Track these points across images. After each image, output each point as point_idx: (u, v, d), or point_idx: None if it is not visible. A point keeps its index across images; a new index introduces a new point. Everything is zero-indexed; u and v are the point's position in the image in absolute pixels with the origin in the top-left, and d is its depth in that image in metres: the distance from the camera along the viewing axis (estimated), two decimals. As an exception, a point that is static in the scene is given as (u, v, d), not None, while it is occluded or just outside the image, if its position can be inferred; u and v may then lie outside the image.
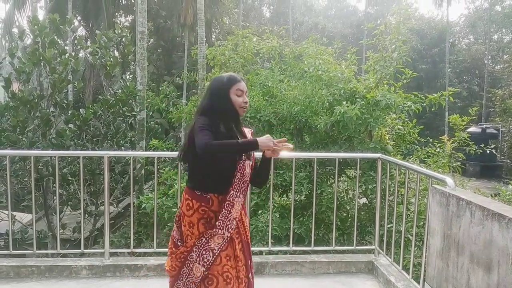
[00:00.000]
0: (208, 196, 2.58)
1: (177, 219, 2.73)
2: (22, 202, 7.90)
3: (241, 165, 2.57)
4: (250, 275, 2.66)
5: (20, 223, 7.87)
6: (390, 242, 4.01)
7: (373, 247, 4.34)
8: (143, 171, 8.90)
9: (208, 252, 2.55)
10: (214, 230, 2.55)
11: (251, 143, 2.47)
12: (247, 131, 2.75)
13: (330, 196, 5.75)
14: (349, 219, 6.14)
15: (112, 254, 4.12)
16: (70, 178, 7.81)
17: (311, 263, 4.10)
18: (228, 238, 2.56)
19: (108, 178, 4.11)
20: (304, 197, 6.04)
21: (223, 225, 2.54)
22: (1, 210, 7.82)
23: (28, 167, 7.44)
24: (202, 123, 2.51)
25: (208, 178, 2.60)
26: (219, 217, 2.55)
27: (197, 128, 2.45)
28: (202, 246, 2.56)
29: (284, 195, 6.33)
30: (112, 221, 8.73)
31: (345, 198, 6.31)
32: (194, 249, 2.57)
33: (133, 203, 5.40)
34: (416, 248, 4.34)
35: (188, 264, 2.60)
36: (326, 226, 5.96)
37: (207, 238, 2.56)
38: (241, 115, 2.66)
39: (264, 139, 2.42)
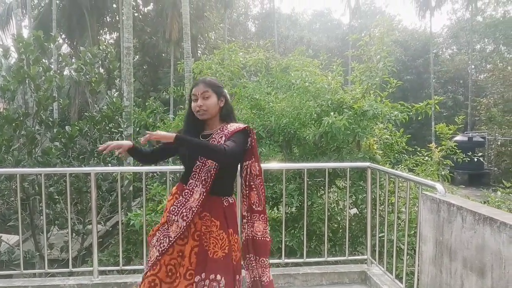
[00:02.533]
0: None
1: None
2: (8, 222, 7.73)
3: None
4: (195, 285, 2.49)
5: (7, 244, 7.72)
6: (382, 251, 3.98)
7: (365, 257, 4.32)
8: (131, 188, 8.79)
9: (165, 238, 2.60)
10: (167, 215, 2.61)
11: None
12: (232, 128, 2.63)
13: (321, 207, 5.73)
14: (340, 230, 6.11)
15: (101, 273, 4.04)
16: (56, 197, 7.69)
17: (304, 275, 4.06)
18: (184, 229, 2.55)
19: (96, 195, 4.05)
20: (295, 209, 6.01)
21: (177, 211, 2.57)
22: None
23: (14, 186, 7.31)
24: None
25: (184, 169, 2.71)
26: (174, 203, 2.61)
27: None
28: (162, 232, 2.63)
29: (275, 208, 6.29)
30: (100, 240, 8.58)
31: (336, 209, 6.29)
32: (157, 234, 2.66)
33: (122, 220, 5.33)
34: (408, 256, 4.33)
35: (150, 249, 2.68)
36: (317, 237, 5.92)
37: (168, 225, 2.62)
38: (202, 119, 2.66)
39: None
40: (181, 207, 2.57)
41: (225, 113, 2.70)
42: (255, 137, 2.75)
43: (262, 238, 2.77)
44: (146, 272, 2.60)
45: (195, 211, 2.55)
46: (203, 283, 2.46)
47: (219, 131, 2.63)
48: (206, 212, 2.58)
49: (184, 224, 2.54)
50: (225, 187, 2.66)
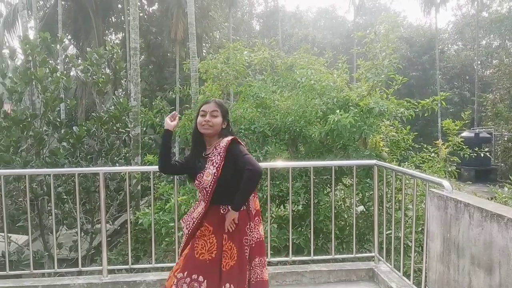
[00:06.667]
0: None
1: None
2: (17, 222, 7.80)
3: (199, 174, 2.78)
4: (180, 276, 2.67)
5: (16, 244, 7.79)
6: (390, 248, 3.99)
7: (372, 254, 4.32)
8: (139, 187, 8.85)
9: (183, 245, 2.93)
10: (182, 224, 2.95)
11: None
12: (223, 143, 2.75)
13: (328, 205, 5.73)
14: (347, 228, 6.12)
15: (110, 272, 4.07)
16: (65, 197, 7.75)
17: (312, 272, 4.08)
18: (187, 235, 2.84)
19: (104, 195, 4.08)
20: (302, 207, 6.02)
21: (184, 220, 2.90)
22: (-4, 232, 7.73)
23: (22, 186, 7.38)
24: None
25: None
26: (185, 216, 2.95)
27: None
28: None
29: (281, 206, 6.31)
30: (109, 239, 8.65)
31: (343, 207, 6.29)
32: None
33: (130, 219, 5.36)
34: (416, 253, 4.34)
35: None
36: (324, 235, 5.93)
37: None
38: (204, 134, 2.82)
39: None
40: (187, 217, 2.89)
41: (224, 134, 2.86)
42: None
43: (259, 240, 2.90)
44: None
45: (195, 222, 2.80)
46: (183, 281, 2.65)
47: (213, 150, 2.79)
48: (203, 220, 2.78)
49: (187, 232, 2.85)
50: (224, 197, 2.75)
